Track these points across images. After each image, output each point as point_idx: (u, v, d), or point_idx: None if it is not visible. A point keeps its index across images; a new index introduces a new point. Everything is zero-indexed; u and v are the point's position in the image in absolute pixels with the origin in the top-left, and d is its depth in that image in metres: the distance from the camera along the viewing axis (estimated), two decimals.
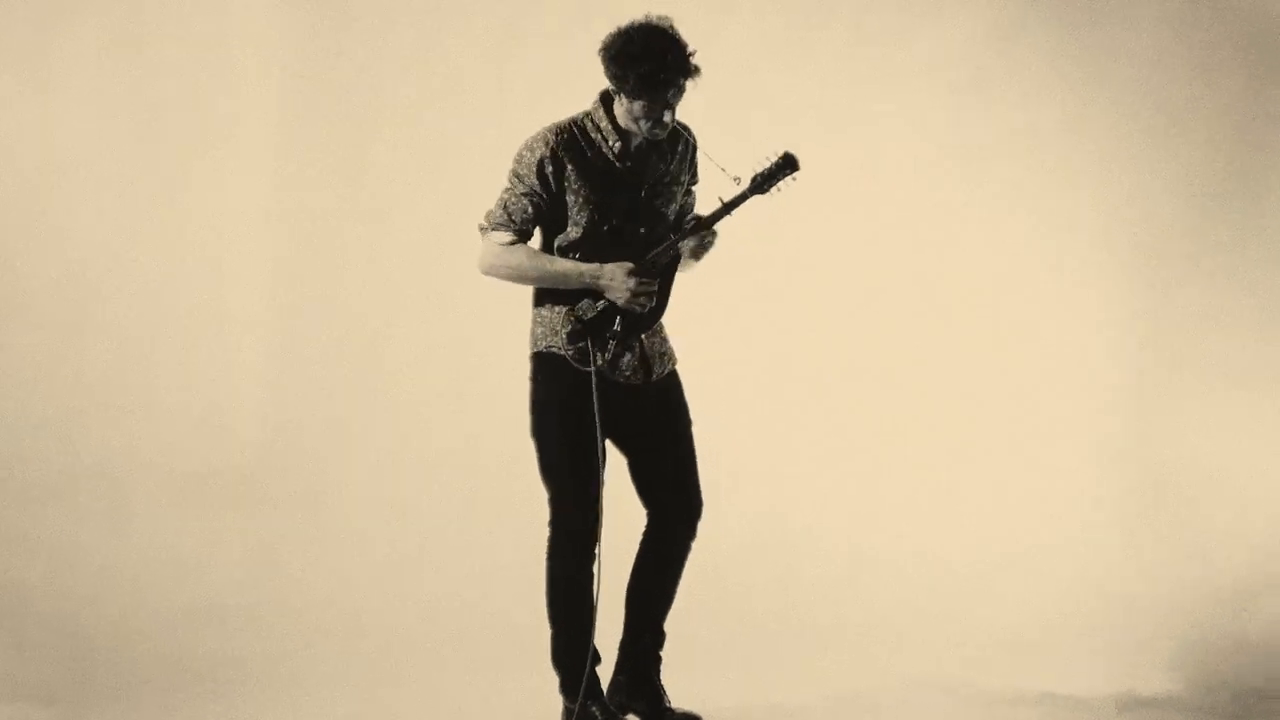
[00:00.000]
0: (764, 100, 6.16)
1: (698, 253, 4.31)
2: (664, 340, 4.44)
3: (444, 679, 5.22)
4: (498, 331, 5.58)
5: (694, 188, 4.47)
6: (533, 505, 4.55)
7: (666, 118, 4.15)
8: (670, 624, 4.53)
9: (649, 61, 4.05)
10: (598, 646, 4.42)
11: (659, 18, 4.13)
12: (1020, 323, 6.35)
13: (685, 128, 4.37)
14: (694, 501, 4.44)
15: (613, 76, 4.14)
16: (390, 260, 6.28)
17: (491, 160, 4.46)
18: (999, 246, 6.37)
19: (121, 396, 6.15)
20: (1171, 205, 6.34)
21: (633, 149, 4.26)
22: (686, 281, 4.47)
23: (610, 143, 4.24)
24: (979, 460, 6.27)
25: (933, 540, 6.12)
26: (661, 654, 4.53)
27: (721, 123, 4.53)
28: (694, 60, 4.10)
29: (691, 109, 4.39)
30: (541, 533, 4.44)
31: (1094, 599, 5.87)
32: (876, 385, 6.32)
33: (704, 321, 4.66)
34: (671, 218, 4.39)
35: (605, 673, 4.51)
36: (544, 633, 4.44)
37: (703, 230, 4.25)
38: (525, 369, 4.46)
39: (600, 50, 4.14)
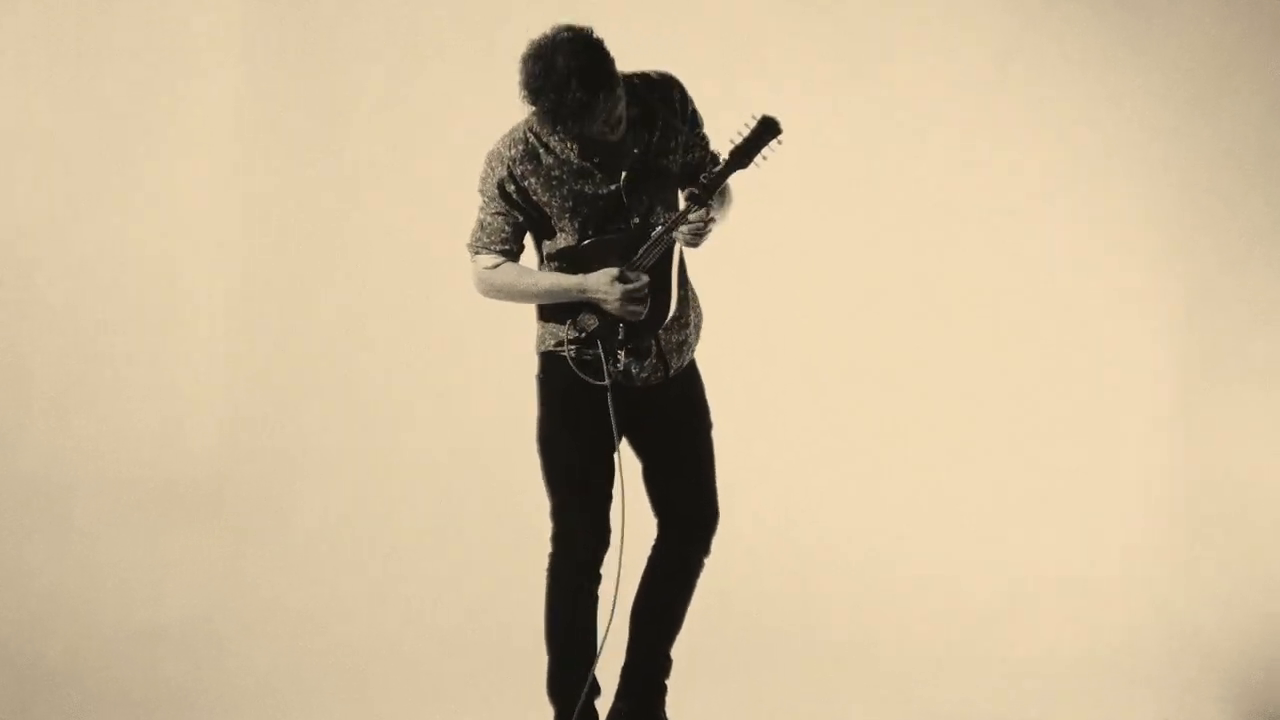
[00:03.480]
0: (770, 77, 6.00)
1: (693, 241, 4.06)
2: (683, 327, 4.23)
3: (425, 709, 5.16)
4: (479, 330, 5.58)
5: (703, 131, 4.20)
6: (521, 518, 4.50)
7: (607, 132, 3.91)
8: (676, 649, 4.34)
9: (550, 95, 3.81)
10: (599, 676, 4.24)
11: (565, 28, 3.86)
12: (1056, 321, 6.16)
13: (661, 80, 4.10)
14: (708, 512, 4.26)
15: (529, 104, 3.92)
16: (360, 255, 6.08)
17: (473, 148, 4.29)
18: (1032, 237, 6.18)
19: (67, 401, 5.96)
20: (1222, 188, 6.13)
21: (596, 143, 4.04)
22: (696, 279, 4.33)
23: (569, 143, 4.04)
24: (1013, 471, 6.08)
25: (962, 559, 5.92)
26: (667, 683, 4.32)
27: (723, 102, 4.32)
28: (610, 73, 3.83)
29: (697, 70, 4.28)
30: (531, 547, 4.32)
31: (1138, 623, 5.72)
32: (900, 389, 6.12)
33: (713, 318, 4.48)
34: (677, 189, 4.18)
35: (605, 703, 4.31)
36: (536, 658, 4.27)
37: (684, 221, 4.03)
38: (510, 368, 4.37)
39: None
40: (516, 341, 4.49)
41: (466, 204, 4.23)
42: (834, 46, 6.13)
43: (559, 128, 3.91)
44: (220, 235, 6.05)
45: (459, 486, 5.96)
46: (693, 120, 4.15)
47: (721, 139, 4.05)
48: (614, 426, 4.06)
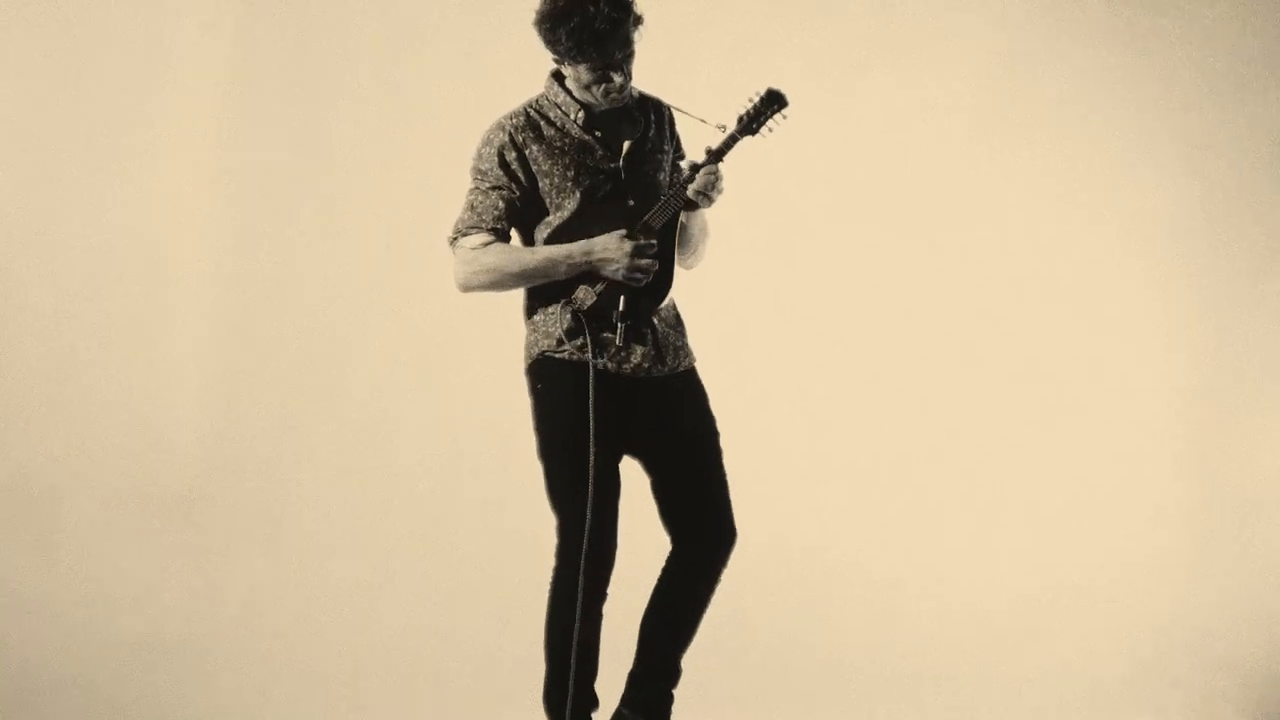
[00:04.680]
0: (777, 70, 5.86)
1: (706, 194, 4.06)
2: (680, 334, 4.23)
3: None
4: (473, 331, 5.57)
5: (681, 162, 4.26)
6: (515, 523, 4.57)
7: (617, 79, 3.99)
8: (685, 659, 4.25)
9: (577, 14, 3.89)
10: (598, 688, 4.18)
11: None
12: (1068, 328, 6.13)
13: (655, 99, 4.23)
14: (723, 525, 4.18)
15: (548, 44, 3.98)
16: (350, 252, 6.04)
17: (460, 147, 4.28)
18: (1046, 236, 6.14)
19: (49, 407, 5.93)
20: (1239, 191, 6.09)
21: (599, 116, 4.11)
22: (695, 278, 4.30)
23: (573, 115, 4.09)
24: (1023, 481, 6.05)
25: (971, 571, 5.89)
26: (674, 693, 4.23)
27: (725, 91, 4.26)
28: (633, 5, 3.95)
29: (690, 73, 4.49)
30: (525, 552, 4.35)
31: (1157, 633, 5.69)
32: (908, 398, 6.09)
33: (716, 324, 4.58)
34: (663, 188, 4.20)
35: (603, 715, 4.24)
36: (530, 667, 4.21)
37: (694, 183, 4.04)
38: (504, 372, 4.34)
39: (533, 22, 3.98)
40: (508, 343, 4.41)
41: (454, 203, 4.15)
42: (842, 41, 6.13)
43: (583, 52, 3.91)
44: (203, 238, 6.00)
45: (452, 493, 5.92)
46: (676, 144, 4.23)
47: (729, 115, 4.03)
48: (591, 408, 3.97)
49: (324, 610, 5.69)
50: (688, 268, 4.23)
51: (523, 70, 4.33)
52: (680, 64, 4.31)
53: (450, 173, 4.39)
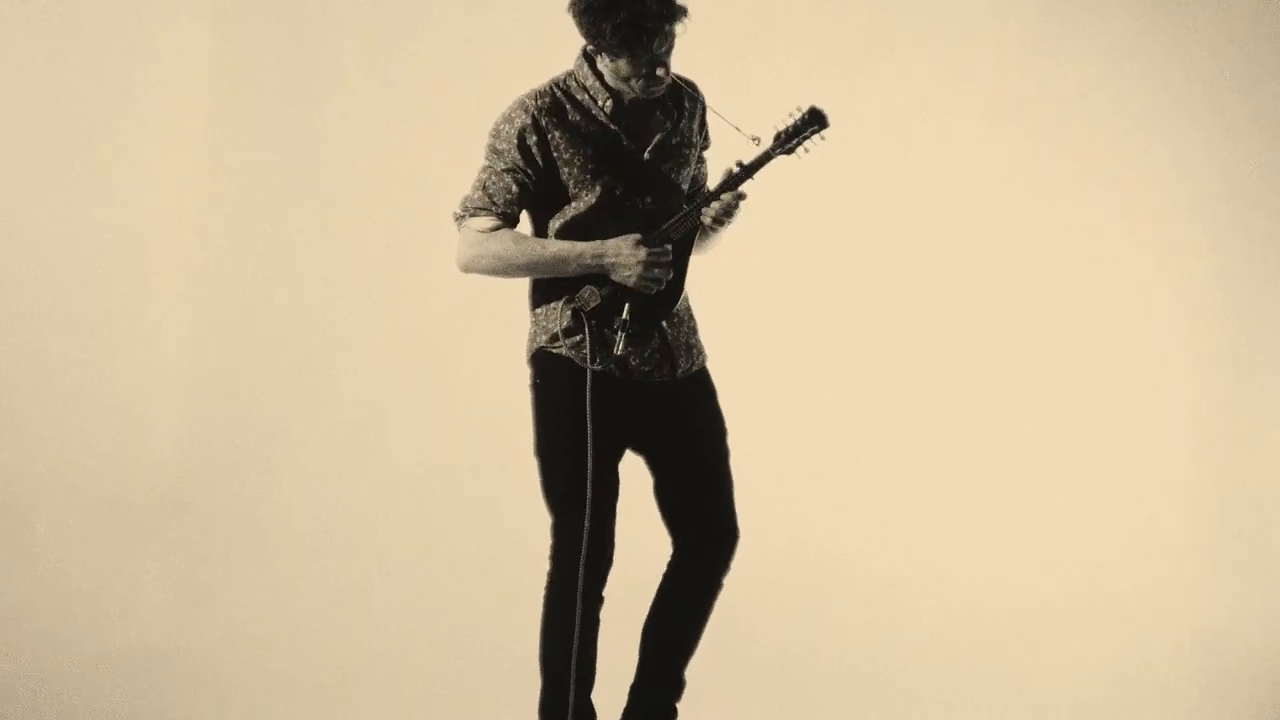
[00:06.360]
0: (788, 61, 5.99)
1: (721, 218, 3.97)
2: (692, 331, 4.14)
3: None
4: (467, 331, 5.65)
5: (706, 153, 4.21)
6: (511, 528, 4.60)
7: (659, 73, 3.89)
8: (689, 671, 4.19)
9: (623, 10, 3.78)
10: (595, 698, 4.11)
11: None
12: (1086, 322, 6.07)
13: (691, 84, 4.13)
14: (726, 528, 4.12)
15: (587, 34, 3.88)
16: (340, 249, 5.96)
17: (456, 140, 4.36)
18: (1062, 233, 6.08)
19: (23, 409, 5.85)
20: (1270, 179, 6.05)
21: (627, 106, 4.01)
22: (693, 275, 4.21)
23: (600, 102, 3.98)
24: (1039, 484, 5.99)
25: (984, 577, 5.85)
26: (677, 706, 4.19)
27: (736, 82, 4.44)
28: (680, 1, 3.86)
29: (703, 61, 4.22)
30: (521, 559, 4.33)
31: (1173, 646, 5.65)
32: (919, 398, 6.03)
33: (720, 322, 4.42)
34: (685, 187, 4.12)
35: None
36: (528, 673, 4.14)
37: (721, 197, 3.95)
38: (498, 369, 4.32)
39: (569, 6, 3.89)
40: (505, 340, 4.36)
41: (449, 201, 4.09)
42: (850, 31, 6.08)
43: (625, 49, 3.80)
44: (190, 237, 5.95)
45: (447, 495, 5.86)
46: (705, 135, 4.16)
47: (747, 121, 3.94)
48: (588, 414, 3.90)
49: (315, 616, 5.66)
50: (700, 254, 4.15)
51: (521, 68, 4.26)
52: (681, 59, 4.26)
53: (446, 170, 4.38)
